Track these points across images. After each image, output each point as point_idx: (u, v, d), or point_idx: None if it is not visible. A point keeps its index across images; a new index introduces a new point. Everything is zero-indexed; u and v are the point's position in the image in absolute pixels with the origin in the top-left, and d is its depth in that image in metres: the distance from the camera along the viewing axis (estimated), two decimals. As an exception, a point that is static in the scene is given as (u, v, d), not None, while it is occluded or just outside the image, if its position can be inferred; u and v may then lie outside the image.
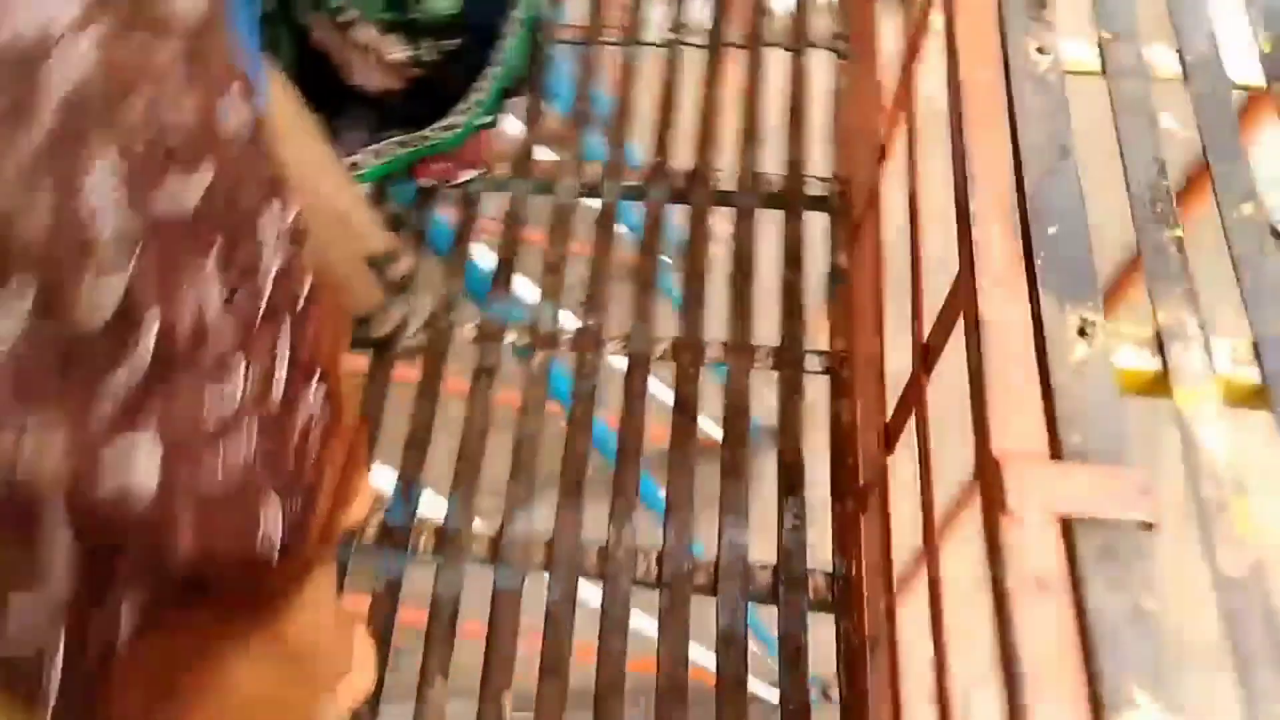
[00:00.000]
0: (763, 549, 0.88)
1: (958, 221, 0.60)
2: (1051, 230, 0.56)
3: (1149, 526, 0.47)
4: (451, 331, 1.00)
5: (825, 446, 0.92)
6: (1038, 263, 0.55)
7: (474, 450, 0.93)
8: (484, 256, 1.07)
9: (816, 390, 0.95)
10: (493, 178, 1.10)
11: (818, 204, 1.06)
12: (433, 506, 0.91)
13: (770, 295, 1.01)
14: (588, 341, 0.98)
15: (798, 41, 1.17)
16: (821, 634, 0.83)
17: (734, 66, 1.18)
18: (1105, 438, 0.50)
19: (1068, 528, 0.47)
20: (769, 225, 1.06)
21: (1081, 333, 0.53)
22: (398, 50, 0.92)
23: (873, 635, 0.79)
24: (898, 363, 0.83)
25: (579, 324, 0.99)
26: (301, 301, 0.50)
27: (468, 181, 1.08)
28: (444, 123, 1.01)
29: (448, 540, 0.88)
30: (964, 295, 0.56)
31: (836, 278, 1.00)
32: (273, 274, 0.47)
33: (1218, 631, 0.48)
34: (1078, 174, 0.58)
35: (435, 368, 0.98)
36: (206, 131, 0.38)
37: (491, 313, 1.01)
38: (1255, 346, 0.51)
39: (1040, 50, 0.63)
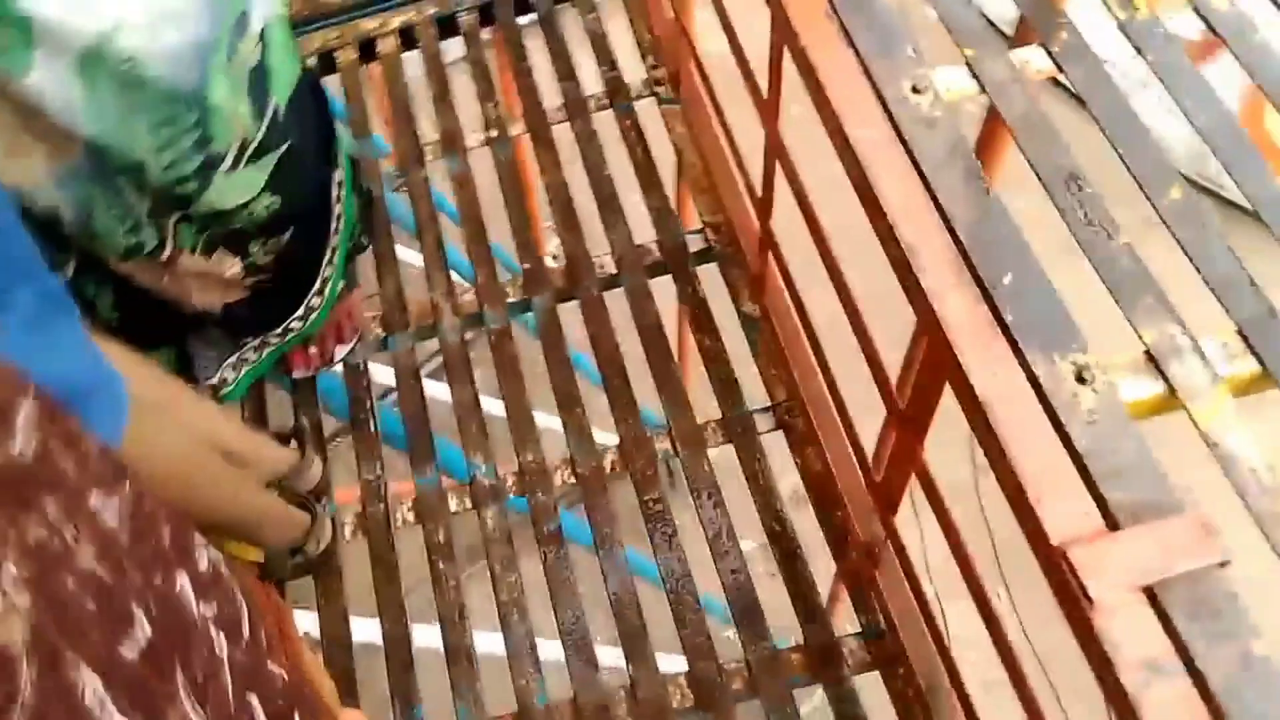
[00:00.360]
0: (781, 623, 0.85)
1: (905, 284, 0.57)
2: (1007, 280, 0.54)
3: (1224, 564, 0.46)
4: (390, 518, 0.93)
5: (803, 500, 0.90)
6: (1008, 319, 0.53)
7: (459, 642, 0.86)
8: (391, 425, 1.00)
9: (772, 445, 0.92)
10: (372, 340, 1.03)
11: (703, 258, 1.03)
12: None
13: (690, 364, 0.98)
14: (532, 480, 0.93)
15: (616, 99, 1.14)
16: (872, 698, 0.81)
17: (561, 145, 1.13)
18: (1146, 485, 0.48)
19: (1152, 595, 0.45)
20: (662, 291, 1.03)
21: (1080, 379, 0.51)
22: (229, 265, 0.83)
23: (929, 683, 0.77)
24: (855, 404, 0.81)
25: (515, 465, 0.93)
26: (248, 630, 0.44)
27: (349, 353, 1.01)
28: (300, 310, 0.93)
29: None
30: (946, 367, 0.54)
31: (752, 327, 0.97)
32: (225, 644, 0.41)
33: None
34: (1006, 211, 0.56)
35: (387, 563, 0.91)
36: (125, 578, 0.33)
37: (422, 483, 0.94)
38: (1242, 335, 0.49)
39: (915, 89, 0.61)
